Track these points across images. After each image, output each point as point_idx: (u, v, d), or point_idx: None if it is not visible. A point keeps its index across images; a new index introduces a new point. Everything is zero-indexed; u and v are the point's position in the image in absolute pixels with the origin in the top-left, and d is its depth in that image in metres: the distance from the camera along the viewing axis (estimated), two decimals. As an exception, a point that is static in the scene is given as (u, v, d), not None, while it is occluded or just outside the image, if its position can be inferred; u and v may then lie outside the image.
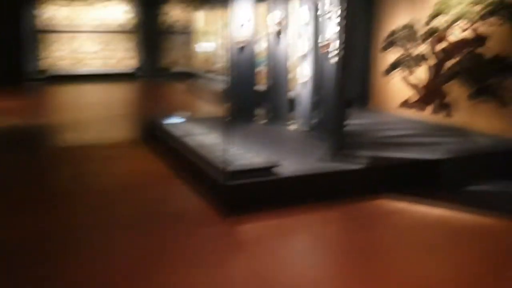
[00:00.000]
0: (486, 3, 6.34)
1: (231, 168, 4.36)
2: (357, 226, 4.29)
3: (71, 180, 5.48)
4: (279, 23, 6.79)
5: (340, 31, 5.07)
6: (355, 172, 4.76)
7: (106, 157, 6.41)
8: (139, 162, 6.23)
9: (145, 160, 6.24)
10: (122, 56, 16.52)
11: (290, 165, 4.74)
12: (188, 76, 15.10)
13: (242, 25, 7.03)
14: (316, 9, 6.26)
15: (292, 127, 6.81)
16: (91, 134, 7.92)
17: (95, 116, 9.52)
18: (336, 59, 5.28)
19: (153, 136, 6.87)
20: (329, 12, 5.88)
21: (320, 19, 6.11)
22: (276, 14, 6.77)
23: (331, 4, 5.84)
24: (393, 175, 5.01)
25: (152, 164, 6.03)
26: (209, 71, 14.68)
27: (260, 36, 9.41)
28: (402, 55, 7.82)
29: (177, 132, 6.11)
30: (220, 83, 12.00)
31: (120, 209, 4.59)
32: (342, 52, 5.05)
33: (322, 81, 6.23)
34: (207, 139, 5.66)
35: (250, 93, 7.20)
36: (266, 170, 4.46)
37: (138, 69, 16.52)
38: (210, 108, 9.86)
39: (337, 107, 5.14)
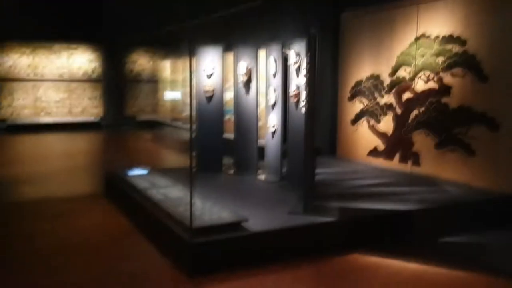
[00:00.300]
0: (448, 55, 6.47)
1: (197, 224, 4.13)
2: (330, 284, 4.08)
3: (26, 237, 5.11)
4: (247, 73, 6.74)
5: (307, 80, 5.02)
6: (328, 225, 4.59)
7: (65, 212, 6.06)
8: (100, 217, 5.92)
9: (106, 215, 5.93)
10: (86, 105, 16.23)
11: (260, 220, 4.55)
12: (154, 125, 14.92)
13: (210, 74, 6.96)
14: (284, 59, 6.26)
15: (262, 177, 6.65)
16: (50, 187, 7.55)
17: (56, 168, 9.14)
18: (305, 108, 5.20)
19: (116, 189, 6.58)
20: (296, 63, 5.88)
21: (289, 68, 6.10)
22: (244, 64, 6.73)
23: (298, 54, 5.84)
24: (366, 227, 4.87)
25: (114, 219, 5.72)
26: (176, 120, 14.56)
27: (228, 85, 9.37)
28: (369, 104, 7.87)
29: (141, 184, 5.86)
30: (187, 132, 11.85)
31: (78, 269, 4.26)
32: (311, 102, 4.97)
33: (292, 130, 6.15)
34: (172, 192, 5.42)
35: (218, 142, 7.05)
36: (234, 225, 4.25)
37: (103, 118, 16.24)
38: (177, 158, 9.64)
39: (307, 157, 5.01)
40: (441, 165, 6.66)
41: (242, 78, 6.79)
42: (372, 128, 7.84)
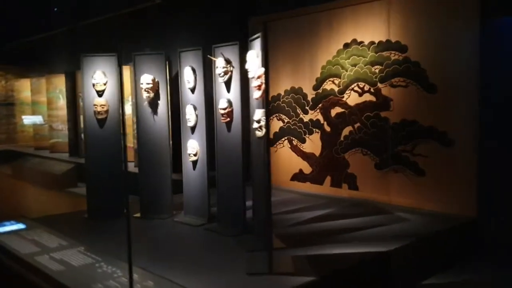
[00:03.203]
0: (386, 63, 5.73)
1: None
2: None
3: None
4: (153, 87, 5.30)
5: (263, 93, 3.79)
6: (309, 286, 3.38)
7: None
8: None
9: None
10: None
11: (216, 291, 3.20)
12: (12, 156, 12.39)
13: (101, 91, 5.39)
14: (205, 70, 4.98)
15: (181, 219, 5.23)
16: None
17: None
18: (259, 131, 3.96)
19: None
20: (226, 73, 4.63)
21: (215, 81, 4.82)
22: (148, 77, 5.29)
23: (228, 62, 4.61)
24: (344, 279, 3.76)
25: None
26: (40, 149, 12.28)
27: (128, 103, 7.78)
28: (290, 122, 6.89)
29: (22, 248, 4.09)
30: (59, 163, 9.84)
31: None
32: (267, 121, 3.76)
33: (222, 159, 4.87)
34: (72, 257, 3.79)
35: (116, 176, 5.47)
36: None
37: None
38: (53, 198, 7.70)
39: (267, 194, 3.75)
40: (384, 188, 5.86)
41: (146, 95, 5.33)
42: (296, 149, 6.86)
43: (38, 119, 12.98)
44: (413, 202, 5.57)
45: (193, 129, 5.15)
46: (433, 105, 5.39)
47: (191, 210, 5.26)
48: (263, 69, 3.69)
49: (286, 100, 6.92)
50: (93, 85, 5.39)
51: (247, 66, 4.24)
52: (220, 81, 4.72)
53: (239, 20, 7.30)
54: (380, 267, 4.02)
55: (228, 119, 4.70)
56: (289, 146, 6.96)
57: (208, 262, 3.93)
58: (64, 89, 10.81)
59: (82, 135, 10.12)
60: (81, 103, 10.09)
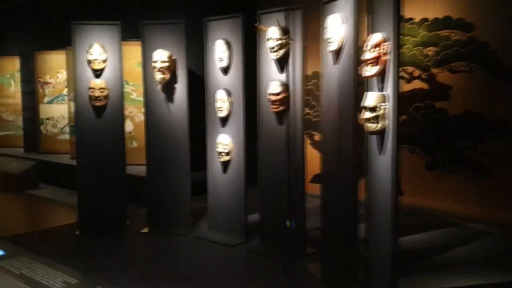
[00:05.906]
0: (443, 44, 4.80)
1: None
2: None
3: None
4: (169, 67, 4.09)
5: (393, 66, 2.68)
6: None
7: None
8: None
9: None
10: None
11: None
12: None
13: (100, 70, 4.14)
14: (245, 44, 3.84)
15: (207, 236, 4.07)
16: None
17: None
18: (373, 123, 2.86)
19: None
20: (282, 46, 3.52)
21: (260, 57, 3.70)
22: (163, 53, 4.07)
23: (285, 31, 3.50)
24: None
25: None
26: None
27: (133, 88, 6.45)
28: (311, 113, 5.85)
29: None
30: (14, 160, 8.29)
31: None
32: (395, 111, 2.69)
33: (269, 159, 3.75)
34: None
35: (117, 181, 4.24)
36: None
37: None
38: (16, 204, 6.22)
39: (394, 211, 2.68)
40: (437, 192, 4.95)
41: (160, 76, 4.10)
42: (318, 145, 5.81)
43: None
44: (476, 210, 4.68)
45: (224, 120, 3.99)
46: (505, 95, 4.51)
47: (220, 224, 4.11)
48: (380, 36, 2.61)
49: (307, 88, 5.85)
50: (89, 62, 4.12)
51: (329, 35, 3.15)
52: (272, 58, 3.59)
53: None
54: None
55: (281, 107, 3.59)
56: (309, 142, 5.93)
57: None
58: (17, 74, 9.23)
59: (42, 127, 8.73)
60: (40, 90, 8.65)
